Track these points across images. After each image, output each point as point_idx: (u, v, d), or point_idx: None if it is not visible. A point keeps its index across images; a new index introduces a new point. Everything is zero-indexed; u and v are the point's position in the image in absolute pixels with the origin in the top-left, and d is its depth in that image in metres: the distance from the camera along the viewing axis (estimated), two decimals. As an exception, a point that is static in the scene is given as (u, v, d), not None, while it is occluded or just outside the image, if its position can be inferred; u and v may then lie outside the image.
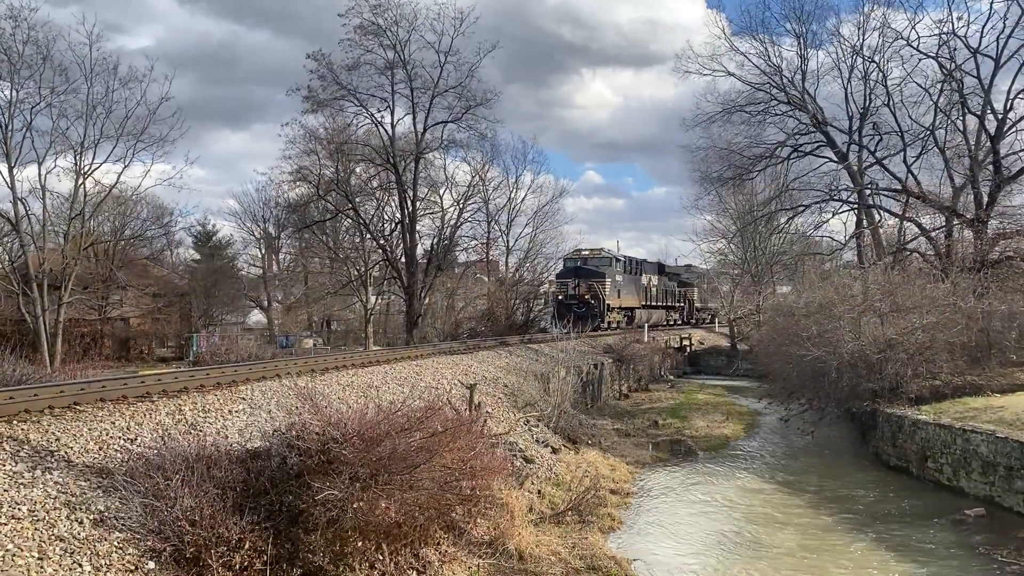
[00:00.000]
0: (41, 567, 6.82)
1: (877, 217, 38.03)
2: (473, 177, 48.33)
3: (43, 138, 30.00)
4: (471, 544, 11.10)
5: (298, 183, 43.01)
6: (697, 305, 62.74)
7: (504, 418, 18.18)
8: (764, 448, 24.24)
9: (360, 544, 8.97)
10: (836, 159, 38.22)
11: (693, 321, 60.76)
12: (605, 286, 42.13)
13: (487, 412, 16.62)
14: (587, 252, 45.33)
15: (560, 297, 42.41)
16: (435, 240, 44.88)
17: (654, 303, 51.96)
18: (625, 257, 47.16)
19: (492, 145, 47.51)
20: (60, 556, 7.03)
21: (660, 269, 53.97)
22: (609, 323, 42.62)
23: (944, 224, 33.99)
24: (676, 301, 57.56)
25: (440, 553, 10.30)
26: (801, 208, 39.64)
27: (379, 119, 39.73)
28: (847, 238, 40.00)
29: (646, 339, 41.52)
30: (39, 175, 30.43)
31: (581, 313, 38.78)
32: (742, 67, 39.30)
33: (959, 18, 33.77)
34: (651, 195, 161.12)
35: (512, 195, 53.37)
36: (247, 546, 8.13)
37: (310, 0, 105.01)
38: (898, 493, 17.98)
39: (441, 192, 47.32)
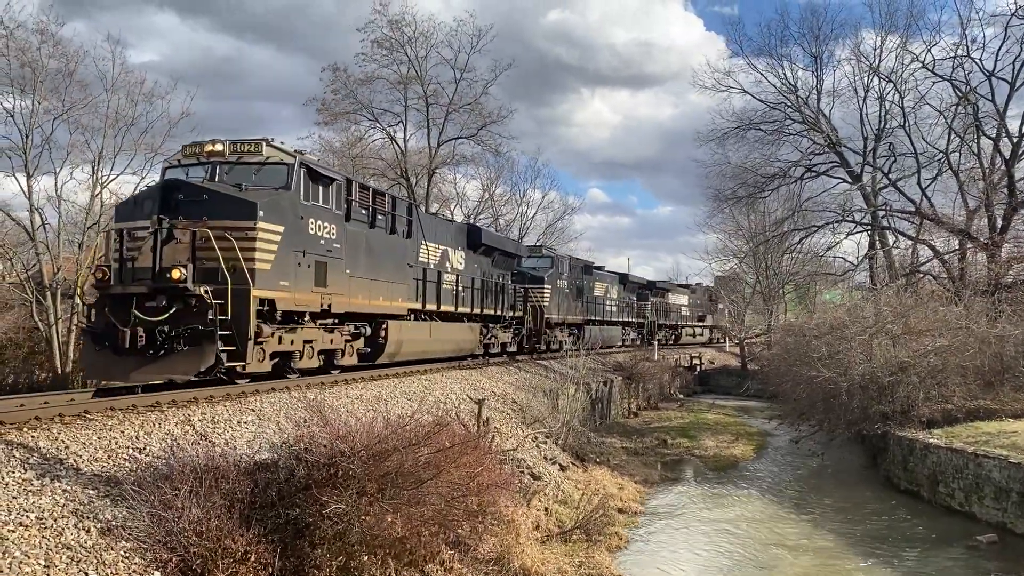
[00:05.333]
0: (47, 575, 6.83)
1: (891, 239, 37.92)
2: (483, 193, 48.32)
3: (61, 149, 30.35)
4: (477, 561, 11.04)
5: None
6: (554, 318, 32.51)
7: (512, 434, 18.13)
8: (774, 469, 24.07)
9: (366, 559, 8.95)
10: (850, 180, 38.17)
11: (542, 347, 31.73)
12: (254, 247, 13.23)
13: (495, 428, 16.57)
14: (216, 147, 14.47)
15: (97, 278, 13.26)
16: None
17: (467, 307, 23.98)
18: (368, 188, 17.99)
19: (505, 161, 47.58)
20: (67, 564, 7.04)
21: (473, 240, 25.00)
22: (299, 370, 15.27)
23: (958, 247, 33.83)
24: (508, 308, 27.84)
25: (446, 569, 10.24)
26: (814, 228, 39.58)
27: (392, 133, 39.98)
28: (859, 259, 39.89)
29: (656, 357, 41.33)
30: (56, 185, 30.74)
31: (155, 325, 12.45)
32: (758, 84, 39.45)
33: (973, 41, 33.85)
34: (656, 213, 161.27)
35: (522, 211, 53.26)
36: (253, 559, 8.11)
37: (310, 18, 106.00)
38: (909, 517, 17.80)
39: (452, 208, 47.50)
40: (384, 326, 18.13)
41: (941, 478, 18.50)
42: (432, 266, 21.18)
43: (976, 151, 34.14)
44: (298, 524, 8.80)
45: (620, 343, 42.62)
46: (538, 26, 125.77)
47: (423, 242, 20.68)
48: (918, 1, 56.38)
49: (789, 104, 38.58)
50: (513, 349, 28.55)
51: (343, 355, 16.69)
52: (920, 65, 34.71)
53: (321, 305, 15.26)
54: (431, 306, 20.92)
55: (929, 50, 34.59)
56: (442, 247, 22.20)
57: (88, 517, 7.76)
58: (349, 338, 16.90)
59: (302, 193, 14.67)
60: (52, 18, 29.96)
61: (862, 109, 37.57)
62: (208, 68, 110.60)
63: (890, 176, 37.24)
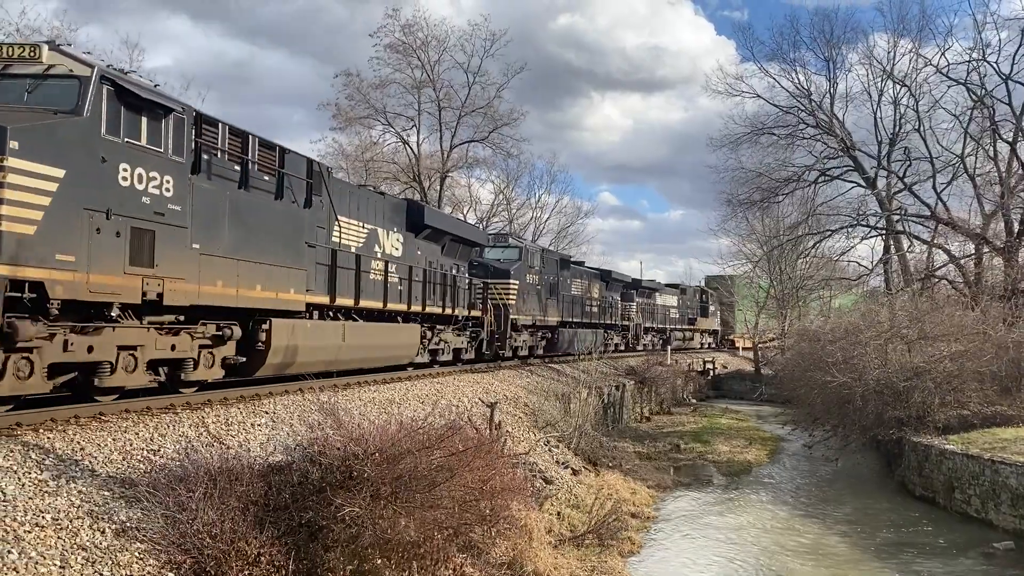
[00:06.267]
0: (63, 575, 6.87)
1: (906, 243, 37.71)
2: (496, 196, 48.41)
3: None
4: (489, 565, 11.02)
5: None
6: (521, 318, 27.39)
7: (524, 438, 18.12)
8: (787, 475, 23.94)
9: (379, 562, 8.95)
10: (864, 184, 38.01)
11: (507, 353, 26.75)
12: None
13: (507, 431, 16.56)
14: None
15: None
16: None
17: (404, 303, 19.14)
18: (240, 133, 13.09)
19: (520, 165, 47.56)
20: (82, 565, 7.08)
21: (414, 220, 20.28)
22: None
23: (974, 251, 33.61)
24: (463, 306, 22.92)
25: (458, 574, 10.23)
26: (828, 233, 39.42)
27: (405, 137, 40.15)
28: (874, 264, 39.70)
29: (669, 361, 41.21)
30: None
31: None
32: (771, 89, 39.37)
33: (988, 45, 33.64)
34: (667, 217, 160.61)
35: (536, 215, 53.28)
36: (265, 561, 8.13)
37: (321, 22, 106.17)
38: (924, 524, 17.65)
39: (464, 211, 47.65)
40: (266, 326, 13.35)
41: (957, 484, 18.35)
42: (352, 249, 16.63)
43: (992, 155, 33.94)
44: (311, 527, 8.81)
45: (602, 348, 36.10)
46: (547, 31, 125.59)
47: (336, 217, 16.06)
48: (930, 5, 56.02)
49: (802, 108, 38.50)
50: (470, 356, 23.91)
51: (196, 366, 12.08)
52: (934, 70, 34.59)
53: (144, 293, 10.67)
54: (346, 300, 16.22)
55: (943, 54, 34.47)
56: (368, 226, 17.53)
57: (103, 518, 7.80)
58: (208, 343, 12.25)
59: (106, 123, 10.06)
60: (66, 24, 30.08)
61: (876, 113, 37.47)
62: (220, 72, 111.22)
63: (905, 180, 37.05)
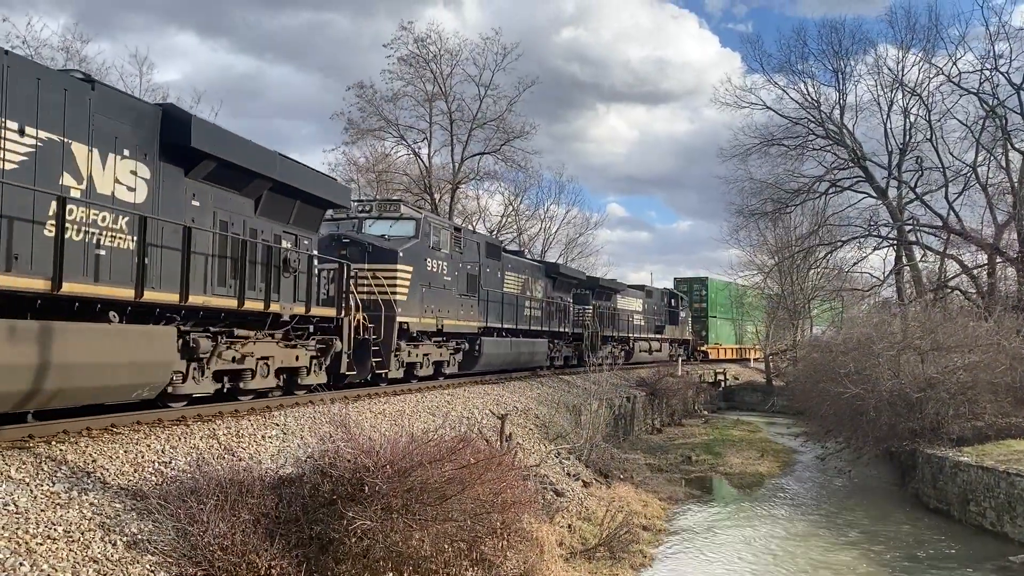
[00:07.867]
0: (74, 588, 6.87)
1: (918, 254, 37.55)
2: (506, 207, 48.49)
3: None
4: (500, 578, 10.97)
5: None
6: (414, 321, 19.33)
7: (535, 450, 18.06)
8: (800, 487, 23.77)
9: (390, 575, 8.92)
10: (875, 194, 37.91)
11: (393, 373, 18.46)
12: None
13: (518, 443, 16.51)
14: None
15: None
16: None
17: (116, 284, 9.88)
18: None
19: (529, 176, 47.53)
20: (93, 578, 7.08)
21: (175, 142, 10.82)
22: None
23: (986, 262, 33.44)
24: (300, 300, 14.41)
25: (469, 586, 10.18)
26: (839, 243, 39.30)
27: (416, 149, 40.33)
28: (886, 274, 39.55)
29: (679, 372, 41.04)
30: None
31: None
32: (779, 100, 39.39)
33: (1000, 56, 33.56)
34: (675, 228, 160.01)
35: (545, 227, 53.24)
36: (276, 574, 8.11)
37: (327, 37, 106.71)
38: (939, 537, 17.49)
39: (474, 222, 47.76)
40: None
41: (972, 497, 18.18)
42: None
43: (1004, 164, 33.83)
44: (322, 539, 8.79)
45: (546, 363, 29.55)
46: (552, 44, 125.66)
47: None
48: (941, 15, 55.98)
49: (812, 119, 38.52)
50: (319, 379, 15.46)
51: None
52: (945, 78, 34.54)
53: None
54: None
55: (955, 63, 34.42)
56: (41, 133, 8.95)
57: (115, 530, 7.81)
58: None
59: None
60: (76, 36, 30.43)
61: (886, 123, 37.47)
62: (228, 87, 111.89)
63: (916, 190, 36.96)
